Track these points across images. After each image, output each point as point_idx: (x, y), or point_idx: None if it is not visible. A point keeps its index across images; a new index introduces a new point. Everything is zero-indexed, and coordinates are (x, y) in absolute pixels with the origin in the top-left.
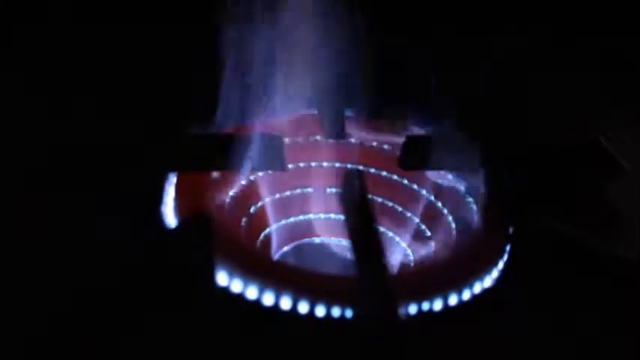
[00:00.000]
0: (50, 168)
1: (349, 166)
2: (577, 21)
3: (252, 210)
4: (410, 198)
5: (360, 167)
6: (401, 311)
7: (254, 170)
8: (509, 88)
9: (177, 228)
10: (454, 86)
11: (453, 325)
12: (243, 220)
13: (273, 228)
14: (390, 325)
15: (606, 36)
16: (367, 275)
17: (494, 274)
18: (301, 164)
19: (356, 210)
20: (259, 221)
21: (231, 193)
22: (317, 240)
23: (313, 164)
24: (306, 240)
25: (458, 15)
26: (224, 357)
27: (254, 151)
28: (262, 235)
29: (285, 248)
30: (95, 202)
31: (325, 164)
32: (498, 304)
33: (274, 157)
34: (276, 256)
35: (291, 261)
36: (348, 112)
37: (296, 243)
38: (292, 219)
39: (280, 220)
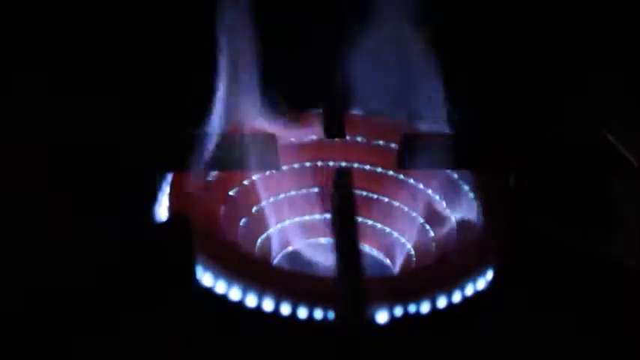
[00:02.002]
0: (50, 168)
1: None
2: (577, 18)
3: (254, 210)
4: (412, 196)
5: (363, 166)
6: (374, 313)
7: (249, 170)
8: (511, 87)
9: (156, 229)
10: (455, 85)
11: (444, 328)
12: (243, 220)
13: (277, 228)
14: (360, 326)
15: (611, 31)
16: (343, 276)
17: (489, 276)
18: (300, 164)
19: (341, 210)
20: (262, 222)
21: (231, 193)
22: (323, 240)
23: (319, 164)
24: (312, 240)
25: (458, 14)
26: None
27: (248, 151)
28: (265, 235)
29: (290, 248)
30: (92, 202)
31: (329, 163)
32: (494, 306)
33: (268, 156)
34: (279, 256)
35: (295, 261)
36: (349, 111)
37: (302, 243)
38: (297, 219)
39: (283, 220)
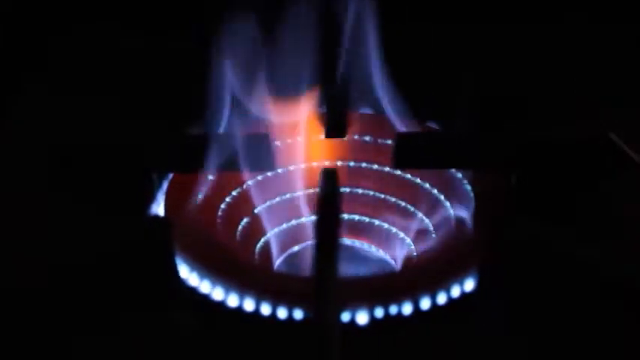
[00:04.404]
0: (50, 168)
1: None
2: (578, 15)
3: (255, 211)
4: (412, 193)
5: (371, 165)
6: (353, 313)
7: (244, 170)
8: (510, 84)
9: (138, 229)
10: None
11: (427, 330)
12: (244, 220)
13: (278, 230)
14: (334, 326)
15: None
16: (318, 276)
17: (478, 277)
18: (302, 165)
19: (324, 210)
20: (263, 223)
21: (233, 193)
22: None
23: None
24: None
25: (455, 12)
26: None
27: (243, 151)
28: (265, 237)
29: (296, 248)
30: (91, 202)
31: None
32: (482, 308)
33: (264, 156)
34: (281, 258)
35: (298, 263)
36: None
37: (305, 244)
38: (303, 219)
39: (286, 222)
